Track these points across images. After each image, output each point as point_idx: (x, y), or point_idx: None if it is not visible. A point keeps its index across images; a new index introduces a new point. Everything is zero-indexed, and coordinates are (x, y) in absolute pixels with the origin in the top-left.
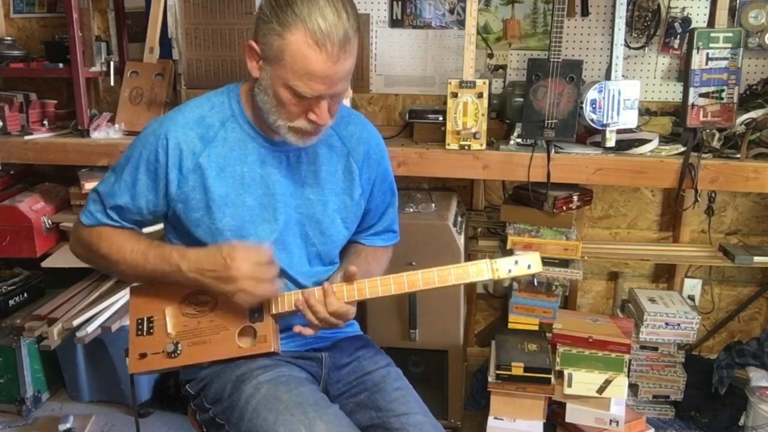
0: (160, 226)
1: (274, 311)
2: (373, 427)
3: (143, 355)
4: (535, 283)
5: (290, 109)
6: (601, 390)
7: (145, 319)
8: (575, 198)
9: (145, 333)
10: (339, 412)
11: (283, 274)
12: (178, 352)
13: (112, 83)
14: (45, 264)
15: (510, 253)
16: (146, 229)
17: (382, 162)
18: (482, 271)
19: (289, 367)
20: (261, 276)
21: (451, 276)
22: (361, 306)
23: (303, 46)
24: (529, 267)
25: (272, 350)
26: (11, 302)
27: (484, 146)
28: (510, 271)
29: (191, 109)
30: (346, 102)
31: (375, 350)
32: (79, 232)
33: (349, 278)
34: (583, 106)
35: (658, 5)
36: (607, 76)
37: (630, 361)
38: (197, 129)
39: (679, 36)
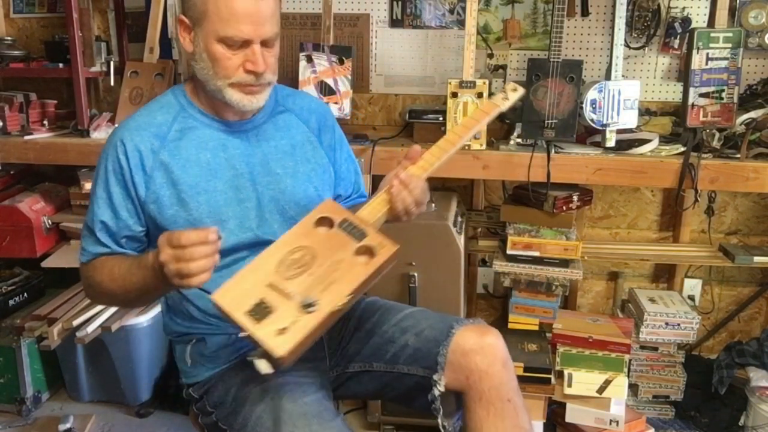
0: None
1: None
2: (384, 344)
3: (283, 330)
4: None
5: (225, 63)
6: (601, 390)
7: (253, 305)
8: (575, 198)
9: (264, 316)
10: (342, 425)
11: None
12: (315, 305)
13: (112, 83)
14: (45, 264)
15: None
16: None
17: (336, 129)
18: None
19: (295, 374)
20: (181, 255)
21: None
22: None
23: None
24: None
25: (394, 251)
26: (11, 302)
27: (484, 146)
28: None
29: (140, 114)
30: (346, 102)
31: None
32: (83, 274)
33: (413, 157)
34: (583, 106)
35: (658, 5)
36: (607, 76)
37: (630, 361)
38: (150, 129)
39: (679, 36)
